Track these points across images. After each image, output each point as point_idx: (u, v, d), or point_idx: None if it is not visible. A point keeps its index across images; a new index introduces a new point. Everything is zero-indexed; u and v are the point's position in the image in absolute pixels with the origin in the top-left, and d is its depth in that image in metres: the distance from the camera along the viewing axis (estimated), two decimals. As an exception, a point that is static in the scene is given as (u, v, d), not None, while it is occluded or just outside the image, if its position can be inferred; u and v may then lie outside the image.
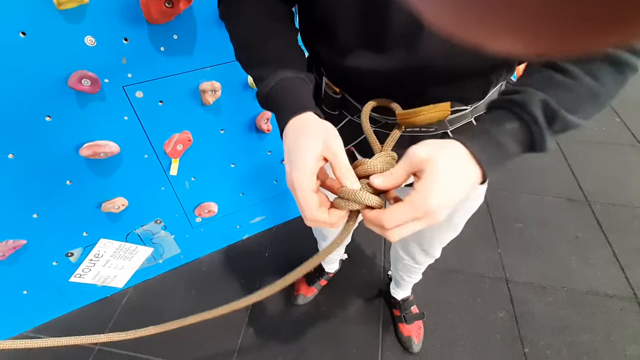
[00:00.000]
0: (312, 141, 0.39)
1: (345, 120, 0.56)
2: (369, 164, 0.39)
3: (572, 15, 0.08)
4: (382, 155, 0.40)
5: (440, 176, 0.35)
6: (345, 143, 0.58)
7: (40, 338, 1.21)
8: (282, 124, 0.43)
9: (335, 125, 0.57)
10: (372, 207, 0.37)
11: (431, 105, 0.43)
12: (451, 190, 0.36)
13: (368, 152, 0.44)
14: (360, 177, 0.39)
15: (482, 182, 0.39)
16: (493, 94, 0.52)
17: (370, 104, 0.47)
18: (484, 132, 0.39)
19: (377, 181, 0.37)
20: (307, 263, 0.38)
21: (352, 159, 0.41)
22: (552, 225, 1.58)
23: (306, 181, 0.37)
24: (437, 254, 0.86)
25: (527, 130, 0.39)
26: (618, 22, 0.08)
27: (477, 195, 0.65)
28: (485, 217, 1.62)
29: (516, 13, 0.09)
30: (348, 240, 1.15)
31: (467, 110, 0.50)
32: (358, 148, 0.59)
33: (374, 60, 0.45)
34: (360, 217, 0.40)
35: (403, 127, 0.45)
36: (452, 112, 0.48)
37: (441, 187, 0.35)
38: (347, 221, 0.40)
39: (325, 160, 0.39)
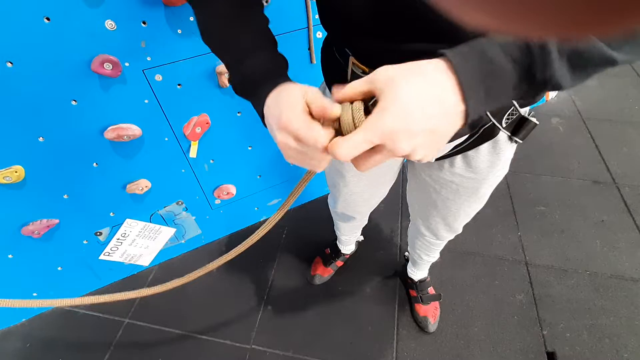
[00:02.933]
0: (293, 90, 0.38)
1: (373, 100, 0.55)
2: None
3: (585, 6, 0.08)
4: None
5: (401, 96, 0.31)
6: None
7: (77, 311, 1.30)
8: (262, 101, 0.42)
9: None
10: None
11: None
12: (416, 112, 0.31)
13: None
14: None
15: (465, 122, 0.33)
16: None
17: None
18: (468, 45, 0.33)
19: (335, 90, 0.37)
20: (297, 186, 0.40)
21: None
22: (576, 208, 1.53)
23: (303, 115, 0.36)
24: (460, 228, 0.85)
25: (525, 46, 0.31)
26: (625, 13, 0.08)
27: (502, 165, 0.64)
28: (505, 200, 1.58)
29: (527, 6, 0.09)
30: (365, 221, 1.15)
31: None
32: None
33: (392, 44, 0.44)
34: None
35: None
36: None
37: (402, 107, 0.31)
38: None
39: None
